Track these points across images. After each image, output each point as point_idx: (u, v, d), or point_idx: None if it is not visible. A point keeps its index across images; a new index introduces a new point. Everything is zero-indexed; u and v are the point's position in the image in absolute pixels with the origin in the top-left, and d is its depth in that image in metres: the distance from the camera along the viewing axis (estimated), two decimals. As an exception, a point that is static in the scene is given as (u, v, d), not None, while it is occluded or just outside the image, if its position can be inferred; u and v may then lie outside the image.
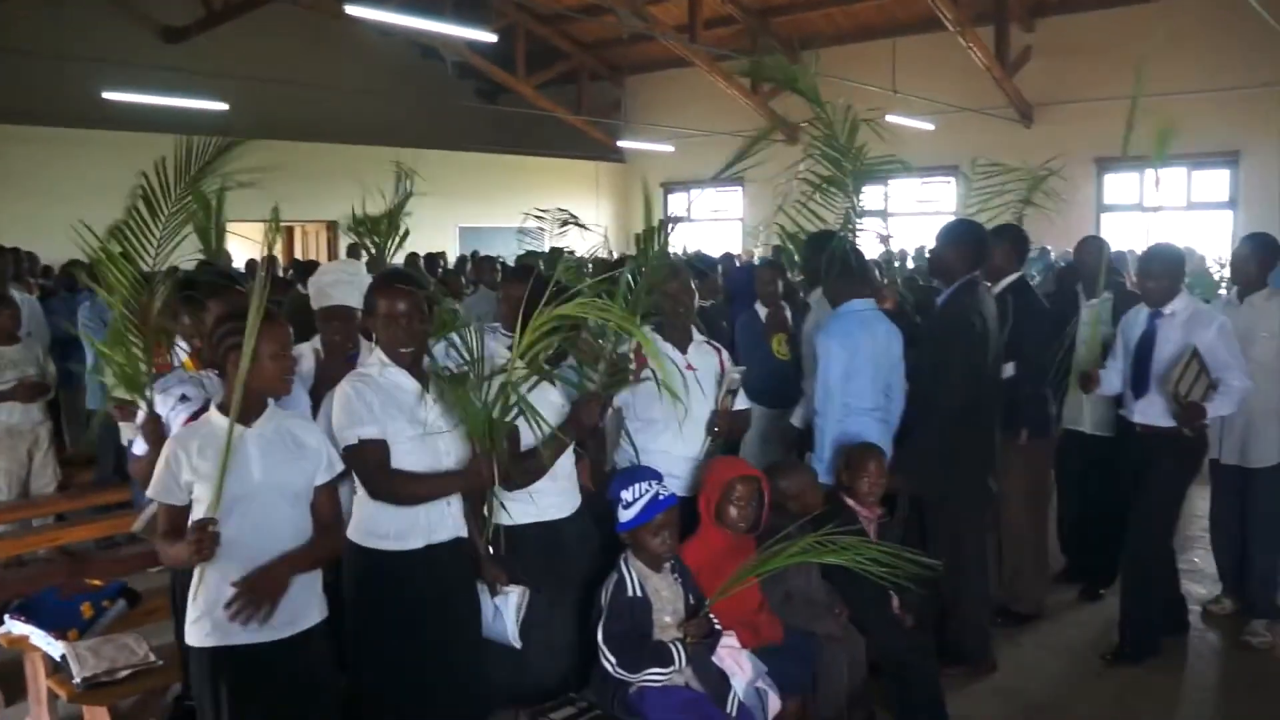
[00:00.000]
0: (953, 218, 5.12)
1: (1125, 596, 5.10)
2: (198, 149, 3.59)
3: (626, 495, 3.54)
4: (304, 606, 3.01)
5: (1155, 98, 14.82)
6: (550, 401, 3.52)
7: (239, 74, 15.14)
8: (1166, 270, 4.98)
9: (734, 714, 3.45)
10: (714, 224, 21.34)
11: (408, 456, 3.20)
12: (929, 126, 16.54)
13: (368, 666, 3.29)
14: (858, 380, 4.46)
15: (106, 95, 13.64)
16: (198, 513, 2.85)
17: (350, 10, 10.86)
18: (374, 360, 3.29)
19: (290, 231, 18.61)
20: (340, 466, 3.13)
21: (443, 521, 3.29)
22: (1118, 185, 16.60)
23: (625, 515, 3.53)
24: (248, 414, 2.93)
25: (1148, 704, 4.67)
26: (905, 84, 16.09)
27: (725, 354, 4.29)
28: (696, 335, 4.23)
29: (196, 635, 2.91)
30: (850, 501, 4.26)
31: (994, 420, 4.83)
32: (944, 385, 4.51)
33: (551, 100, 20.15)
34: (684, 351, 4.08)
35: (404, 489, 3.20)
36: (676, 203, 21.26)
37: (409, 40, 19.20)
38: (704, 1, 16.60)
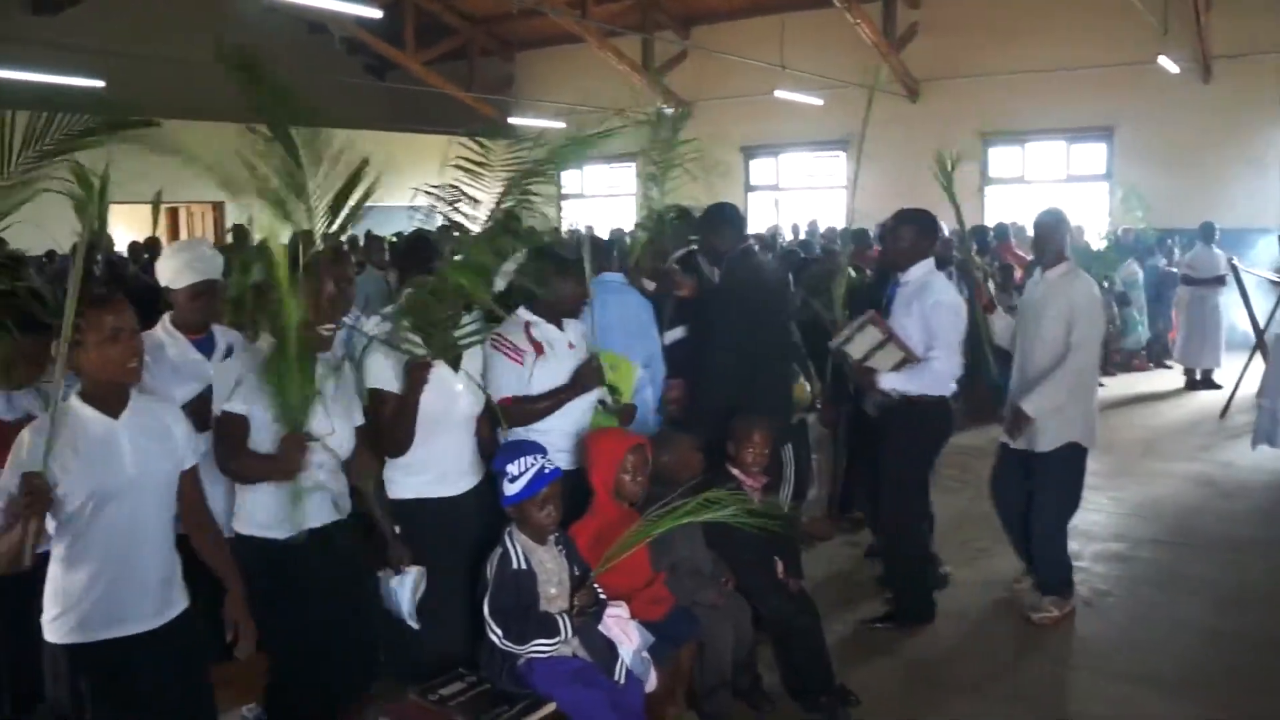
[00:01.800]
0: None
1: (886, 566, 5.27)
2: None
3: (512, 469, 3.53)
4: (166, 596, 2.93)
5: (1034, 74, 15.44)
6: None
7: (116, 49, 14.57)
8: (914, 233, 4.92)
9: (622, 682, 3.49)
10: (609, 200, 21.34)
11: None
12: (818, 102, 16.76)
13: (270, 652, 3.32)
14: (607, 339, 4.43)
15: (-31, 71, 12.92)
16: (67, 511, 2.72)
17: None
18: (265, 338, 3.29)
19: (174, 213, 18.08)
20: (202, 449, 3.11)
21: (316, 509, 3.28)
22: (1001, 159, 17.06)
23: (511, 489, 3.52)
24: (112, 405, 2.82)
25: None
26: (794, 60, 16.26)
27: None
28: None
29: (56, 632, 2.78)
30: (735, 471, 4.33)
31: (778, 375, 5.13)
32: (715, 345, 4.79)
33: (442, 76, 19.87)
34: (561, 329, 4.11)
35: (236, 466, 3.21)
36: (570, 179, 21.16)
37: (295, 15, 18.72)
38: (594, -24, 16.57)
